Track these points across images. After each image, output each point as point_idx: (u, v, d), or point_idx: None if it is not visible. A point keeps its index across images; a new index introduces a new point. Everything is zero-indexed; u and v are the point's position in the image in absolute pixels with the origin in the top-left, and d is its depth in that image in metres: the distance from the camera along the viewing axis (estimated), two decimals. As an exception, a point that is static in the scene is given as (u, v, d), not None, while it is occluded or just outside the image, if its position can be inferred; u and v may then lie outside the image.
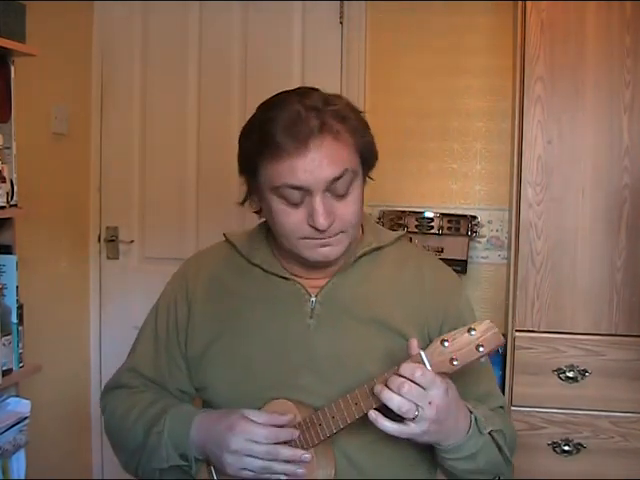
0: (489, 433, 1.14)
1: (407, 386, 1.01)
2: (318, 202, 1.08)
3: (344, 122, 1.10)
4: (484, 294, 2.54)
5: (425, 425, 1.03)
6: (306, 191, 1.08)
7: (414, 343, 1.06)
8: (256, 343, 1.20)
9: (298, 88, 1.17)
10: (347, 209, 1.12)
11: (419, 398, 1.01)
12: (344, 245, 1.16)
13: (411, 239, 2.41)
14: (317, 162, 1.06)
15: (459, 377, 1.09)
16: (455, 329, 1.17)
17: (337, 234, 1.12)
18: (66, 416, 2.55)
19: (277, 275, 1.22)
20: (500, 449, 1.18)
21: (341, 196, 1.11)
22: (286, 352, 1.18)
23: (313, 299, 1.20)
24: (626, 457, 2.00)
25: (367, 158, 1.16)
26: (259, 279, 1.23)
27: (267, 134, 1.07)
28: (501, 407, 1.29)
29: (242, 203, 1.23)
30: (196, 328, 1.24)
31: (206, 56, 2.66)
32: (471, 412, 1.12)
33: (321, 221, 1.08)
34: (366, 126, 1.16)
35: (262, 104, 1.16)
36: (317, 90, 1.15)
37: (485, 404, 1.22)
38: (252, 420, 1.10)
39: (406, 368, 1.02)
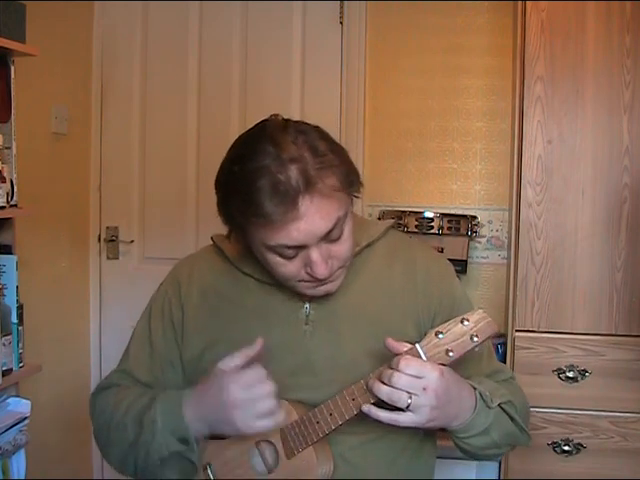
0: (499, 405, 1.13)
1: (396, 376, 1.01)
2: (315, 255, 1.06)
3: (326, 168, 1.03)
4: (484, 294, 2.54)
5: (425, 412, 1.03)
6: (301, 247, 1.06)
7: (391, 343, 1.06)
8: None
9: (265, 126, 1.08)
10: (342, 247, 1.10)
11: (410, 386, 1.02)
12: (343, 276, 1.15)
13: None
14: (310, 221, 1.02)
15: (460, 367, 1.10)
16: (450, 317, 1.18)
17: (334, 272, 1.11)
18: (66, 416, 2.54)
19: (269, 283, 1.20)
20: (512, 419, 1.17)
21: (336, 239, 1.09)
22: (283, 359, 1.18)
23: (307, 305, 1.19)
24: (626, 457, 2.00)
25: (353, 187, 1.10)
26: (252, 287, 1.22)
27: (252, 203, 1.01)
28: (511, 378, 1.29)
29: (228, 237, 1.19)
30: (190, 334, 1.23)
31: (206, 56, 2.66)
32: (475, 388, 1.12)
33: (321, 271, 1.07)
34: (342, 153, 1.09)
35: (235, 154, 1.09)
36: (285, 125, 1.07)
37: (493, 379, 1.23)
38: (232, 369, 1.08)
39: (395, 359, 1.03)
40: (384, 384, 1.03)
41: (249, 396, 1.07)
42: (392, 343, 1.07)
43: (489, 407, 1.11)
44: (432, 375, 1.02)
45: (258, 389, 1.07)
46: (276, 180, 1.00)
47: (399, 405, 1.02)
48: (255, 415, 1.07)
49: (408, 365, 1.02)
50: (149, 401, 1.17)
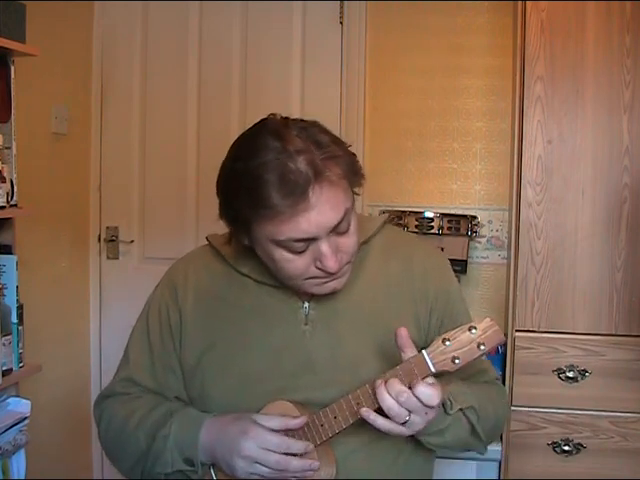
0: (460, 410, 1.14)
1: (406, 396, 1.01)
2: (326, 247, 1.06)
3: (331, 158, 1.04)
4: (484, 294, 2.54)
5: (416, 429, 1.05)
6: (311, 239, 1.06)
7: (403, 332, 1.06)
8: (252, 352, 1.19)
9: (266, 124, 1.09)
10: (349, 241, 1.10)
11: (415, 409, 1.02)
12: (349, 273, 1.15)
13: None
14: (320, 212, 1.03)
15: None
16: (444, 312, 1.20)
17: (343, 267, 1.11)
18: (66, 416, 2.55)
19: (268, 284, 1.20)
20: (473, 426, 1.17)
21: (344, 232, 1.09)
22: (283, 360, 1.18)
23: (306, 305, 1.19)
24: (626, 457, 2.00)
25: (357, 177, 1.11)
26: (250, 288, 1.22)
27: (260, 197, 1.01)
28: (496, 379, 1.30)
29: (229, 242, 1.20)
30: (188, 337, 1.23)
31: (206, 56, 2.66)
32: None
33: (331, 264, 1.07)
34: (344, 145, 1.10)
35: (238, 152, 1.09)
36: (286, 121, 1.08)
37: (473, 379, 1.23)
38: (265, 426, 1.09)
39: (418, 386, 1.02)
40: (390, 395, 1.02)
41: (258, 458, 1.08)
42: (404, 337, 1.06)
43: (447, 413, 1.12)
44: (436, 402, 1.03)
45: (270, 457, 1.08)
46: (285, 171, 1.00)
47: (395, 420, 1.03)
48: (252, 472, 1.09)
49: (423, 392, 1.01)
50: (164, 415, 1.17)
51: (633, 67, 1.97)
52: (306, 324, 1.19)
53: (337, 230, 1.07)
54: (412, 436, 1.15)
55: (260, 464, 1.08)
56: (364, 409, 1.04)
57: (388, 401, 1.02)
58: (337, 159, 1.05)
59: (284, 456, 1.08)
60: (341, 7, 2.57)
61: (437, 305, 1.23)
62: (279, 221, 1.03)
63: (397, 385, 1.02)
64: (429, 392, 1.02)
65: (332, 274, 1.09)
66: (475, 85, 2.52)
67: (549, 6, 2.00)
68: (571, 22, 2.00)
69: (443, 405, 1.11)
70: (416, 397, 1.01)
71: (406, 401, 1.01)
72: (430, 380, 1.03)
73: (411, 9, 2.53)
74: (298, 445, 1.09)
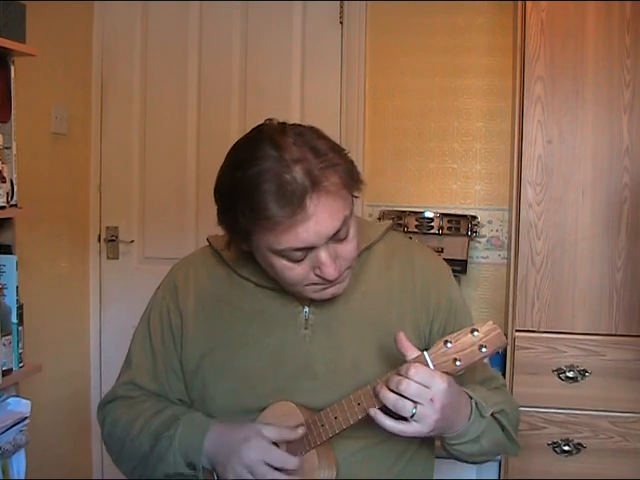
0: (491, 415, 1.13)
1: (404, 383, 1.00)
2: (324, 256, 1.06)
3: (329, 167, 1.03)
4: (484, 294, 2.54)
5: (429, 422, 1.02)
6: (310, 248, 1.06)
7: (402, 340, 1.05)
8: (252, 356, 1.19)
9: (263, 130, 1.08)
10: (349, 247, 1.10)
11: (418, 395, 1.01)
12: (349, 278, 1.14)
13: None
14: (318, 221, 1.02)
15: None
16: (447, 320, 1.19)
17: (342, 273, 1.11)
18: (66, 416, 2.55)
19: (268, 287, 1.20)
20: (504, 429, 1.17)
21: (343, 239, 1.08)
22: (283, 363, 1.17)
23: (306, 309, 1.19)
24: (626, 457, 2.00)
25: (356, 185, 1.09)
26: (250, 291, 1.22)
27: (258, 207, 1.00)
28: (503, 385, 1.29)
29: (228, 247, 1.20)
30: (189, 339, 1.23)
31: (206, 56, 2.66)
32: (471, 397, 1.11)
33: (330, 272, 1.06)
34: (342, 152, 1.08)
35: (234, 161, 1.08)
36: (283, 128, 1.07)
37: (485, 385, 1.23)
38: (267, 437, 1.09)
39: (404, 366, 1.02)
40: (391, 391, 1.02)
41: (258, 470, 1.08)
42: (403, 340, 1.05)
43: (483, 416, 1.11)
44: (440, 386, 1.01)
45: (270, 473, 1.08)
46: (282, 181, 0.99)
47: (403, 414, 1.01)
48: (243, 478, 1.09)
49: (417, 372, 1.01)
50: (170, 419, 1.17)
51: (633, 67, 1.97)
52: (306, 328, 1.19)
53: (336, 238, 1.07)
54: (415, 439, 1.16)
55: (250, 473, 1.09)
56: (372, 409, 1.03)
57: (390, 396, 1.01)
58: (335, 167, 1.04)
59: (274, 471, 1.08)
60: (341, 7, 2.57)
61: (439, 313, 1.23)
62: (278, 231, 1.02)
63: (395, 377, 1.02)
64: (411, 367, 1.01)
65: (331, 281, 1.09)
66: (475, 85, 2.52)
67: (549, 6, 2.00)
68: (571, 22, 2.00)
69: (479, 409, 1.10)
70: (411, 380, 1.00)
71: (406, 388, 1.00)
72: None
73: (411, 9, 2.53)
74: (294, 461, 1.09)
